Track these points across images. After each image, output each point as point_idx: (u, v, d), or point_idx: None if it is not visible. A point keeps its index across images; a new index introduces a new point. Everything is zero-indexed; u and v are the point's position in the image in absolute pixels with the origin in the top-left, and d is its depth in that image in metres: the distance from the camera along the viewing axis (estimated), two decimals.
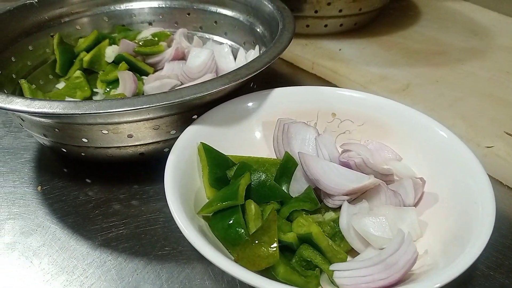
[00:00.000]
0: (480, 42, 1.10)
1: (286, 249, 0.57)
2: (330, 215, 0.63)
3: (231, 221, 0.55)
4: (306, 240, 0.56)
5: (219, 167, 0.63)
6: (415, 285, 0.46)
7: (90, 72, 0.91)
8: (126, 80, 0.89)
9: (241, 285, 0.59)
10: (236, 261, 0.51)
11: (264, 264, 0.50)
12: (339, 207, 0.62)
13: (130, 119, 0.66)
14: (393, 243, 0.50)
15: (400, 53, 1.06)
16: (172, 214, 0.53)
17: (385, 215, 0.58)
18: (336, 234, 0.61)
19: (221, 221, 0.56)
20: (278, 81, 1.04)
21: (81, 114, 0.58)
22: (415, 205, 0.64)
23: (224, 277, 0.60)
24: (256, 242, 0.51)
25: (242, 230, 0.54)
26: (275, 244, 0.50)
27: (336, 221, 0.62)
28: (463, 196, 0.59)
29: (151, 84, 0.88)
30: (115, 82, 0.93)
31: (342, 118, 0.74)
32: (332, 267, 0.52)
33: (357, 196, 0.63)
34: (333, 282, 0.53)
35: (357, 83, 0.95)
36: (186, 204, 0.56)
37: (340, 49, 1.03)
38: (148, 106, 0.60)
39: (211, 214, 0.58)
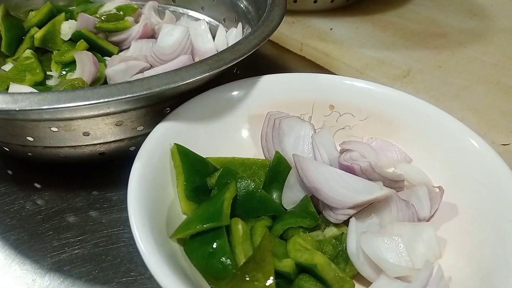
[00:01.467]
0: (480, 24, 1.03)
1: (279, 276, 0.46)
2: (331, 231, 0.52)
3: (214, 248, 0.44)
4: (305, 268, 0.46)
5: (197, 174, 0.52)
6: None
7: (43, 52, 0.78)
8: (85, 62, 0.76)
9: None
10: None
11: None
12: (343, 222, 0.51)
13: (86, 114, 0.53)
14: (419, 279, 0.40)
15: (397, 34, 0.97)
16: (135, 238, 0.41)
17: (399, 235, 0.48)
18: (339, 255, 0.51)
19: (201, 247, 0.44)
20: (261, 65, 0.92)
21: (18, 110, 0.45)
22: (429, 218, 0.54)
23: None
24: (247, 278, 0.40)
25: (228, 261, 0.43)
26: (271, 280, 0.39)
27: (338, 238, 0.52)
28: (492, 210, 0.49)
29: (115, 66, 0.75)
30: (72, 64, 0.79)
31: (341, 111, 0.63)
32: None
33: (361, 209, 0.52)
34: None
35: (353, 68, 0.85)
36: (155, 223, 0.44)
37: (331, 29, 0.92)
38: (106, 100, 0.47)
39: (187, 237, 0.46)
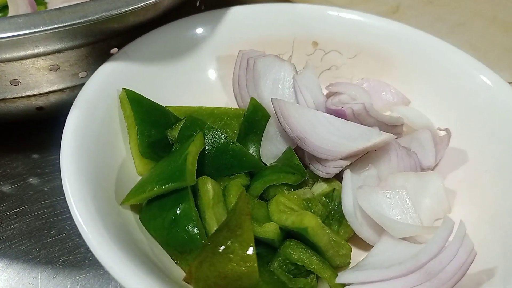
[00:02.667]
0: None
1: (260, 245, 0.38)
2: (321, 187, 0.44)
3: (177, 214, 0.35)
4: (292, 233, 0.37)
5: (154, 125, 0.42)
6: None
7: None
8: (18, 3, 0.63)
9: None
10: (187, 281, 0.31)
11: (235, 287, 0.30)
12: (334, 176, 0.43)
13: (8, 55, 0.42)
14: (436, 240, 0.32)
15: None
16: (70, 206, 0.32)
17: (404, 187, 0.40)
18: (331, 215, 0.43)
19: (160, 214, 0.35)
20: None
21: None
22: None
23: None
24: (221, 249, 0.31)
25: (195, 229, 0.34)
26: (250, 250, 0.31)
27: (329, 195, 0.44)
28: (507, 156, 0.41)
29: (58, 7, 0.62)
30: (5, 9, 0.66)
31: (326, 48, 0.54)
32: (340, 279, 0.33)
33: (356, 159, 0.43)
34: None
35: (335, 5, 0.74)
36: (98, 188, 0.35)
37: None
38: (27, 32, 0.36)
39: (143, 203, 0.37)
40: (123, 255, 0.30)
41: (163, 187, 0.35)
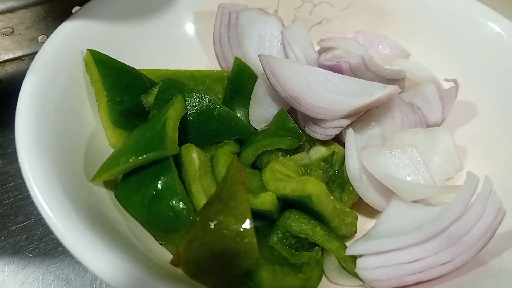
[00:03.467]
0: None
1: (256, 217, 0.33)
2: (319, 151, 0.40)
3: (158, 189, 0.30)
4: (291, 202, 0.33)
5: (126, 90, 0.37)
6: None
7: None
8: None
9: None
10: (174, 263, 0.27)
11: (232, 271, 0.26)
12: (332, 138, 0.38)
13: None
14: (459, 200, 0.28)
15: None
16: (29, 188, 0.26)
17: (413, 145, 0.35)
18: (332, 181, 0.39)
19: (139, 189, 0.30)
20: None
21: None
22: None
23: None
24: (212, 225, 0.26)
25: (181, 204, 0.29)
26: (247, 224, 0.26)
27: (328, 160, 0.39)
28: None
29: None
30: None
31: (315, 0, 0.48)
32: (351, 250, 0.29)
33: (356, 118, 0.39)
34: (346, 268, 0.31)
35: None
36: (63, 164, 0.30)
37: None
38: None
39: (118, 178, 0.32)
40: (97, 240, 0.25)
41: (140, 157, 0.30)
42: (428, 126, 0.41)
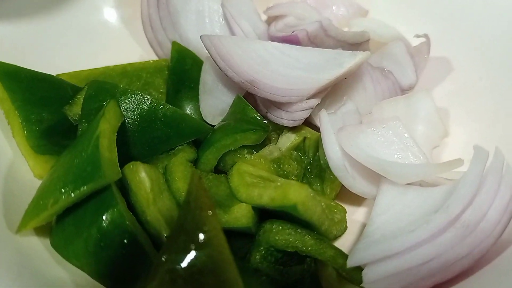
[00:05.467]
0: None
1: (228, 236, 0.27)
2: (288, 140, 0.35)
3: (103, 227, 0.23)
4: (270, 211, 0.27)
5: (44, 105, 0.31)
6: None
7: None
8: None
9: None
10: None
11: None
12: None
13: None
14: (468, 178, 0.24)
15: None
16: None
17: (396, 118, 0.31)
18: (309, 172, 0.34)
19: (79, 233, 0.24)
20: None
21: None
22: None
23: None
24: (183, 266, 0.20)
25: (138, 244, 0.23)
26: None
27: (300, 147, 0.34)
28: (500, 55, 0.33)
29: None
30: None
31: None
32: (354, 260, 0.25)
33: (325, 94, 0.34)
34: (347, 276, 0.26)
35: None
36: None
37: None
38: None
39: (52, 221, 0.25)
40: None
41: (73, 194, 0.23)
42: (402, 90, 0.37)
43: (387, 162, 0.29)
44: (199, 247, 0.21)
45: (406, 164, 0.29)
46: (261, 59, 0.33)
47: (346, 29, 0.42)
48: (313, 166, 0.34)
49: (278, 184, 0.26)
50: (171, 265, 0.21)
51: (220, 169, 0.33)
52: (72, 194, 0.23)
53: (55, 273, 0.24)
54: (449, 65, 0.37)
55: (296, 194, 0.25)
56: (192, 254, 0.21)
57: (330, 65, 0.32)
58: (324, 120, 0.30)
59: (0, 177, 0.28)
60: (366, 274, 0.24)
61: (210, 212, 0.21)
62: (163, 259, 0.22)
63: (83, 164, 0.24)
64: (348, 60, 0.31)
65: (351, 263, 0.25)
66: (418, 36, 0.37)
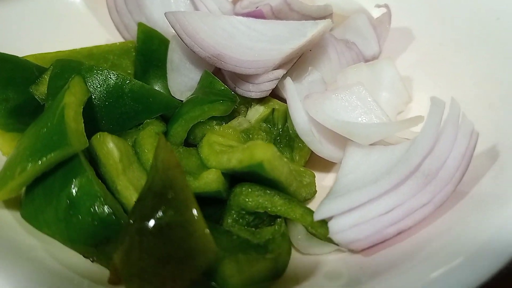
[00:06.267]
0: None
1: (201, 202, 0.28)
2: (257, 111, 0.35)
3: (72, 195, 0.23)
4: (238, 175, 0.28)
5: (10, 84, 0.31)
6: None
7: None
8: None
9: None
10: (113, 282, 0.21)
11: (188, 274, 0.21)
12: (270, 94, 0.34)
13: None
14: (427, 131, 0.25)
15: None
16: None
17: (359, 83, 0.32)
18: (278, 142, 0.35)
19: (49, 202, 0.24)
20: None
21: None
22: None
23: None
24: (151, 224, 0.21)
25: (106, 208, 0.23)
26: (195, 212, 0.21)
27: (269, 118, 0.35)
28: (463, 21, 0.35)
29: None
30: None
31: None
32: (319, 214, 0.25)
33: (291, 66, 0.35)
34: (316, 234, 0.27)
35: None
36: None
37: None
38: None
39: (21, 193, 0.25)
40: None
41: (40, 161, 0.23)
42: (366, 61, 0.38)
43: (351, 124, 0.30)
44: (167, 203, 0.21)
45: (369, 124, 0.30)
46: (226, 33, 0.33)
47: (310, 4, 0.43)
48: (283, 137, 0.35)
49: (245, 146, 0.27)
50: (139, 225, 0.22)
51: (191, 142, 0.33)
52: (39, 162, 0.23)
53: (28, 242, 0.24)
54: (410, 34, 0.39)
55: (262, 152, 0.25)
56: (160, 211, 0.21)
57: (294, 35, 0.33)
58: (290, 87, 0.31)
59: None
60: (332, 226, 0.25)
61: (178, 170, 0.22)
62: (131, 221, 0.23)
63: (49, 133, 0.24)
64: (310, 29, 0.32)
65: (317, 217, 0.25)
66: (379, 6, 0.38)
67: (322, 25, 0.32)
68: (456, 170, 0.24)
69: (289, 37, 0.32)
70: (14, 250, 0.23)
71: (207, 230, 0.20)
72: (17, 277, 0.20)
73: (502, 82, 0.31)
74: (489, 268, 0.20)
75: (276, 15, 0.37)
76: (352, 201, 0.25)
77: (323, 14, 0.40)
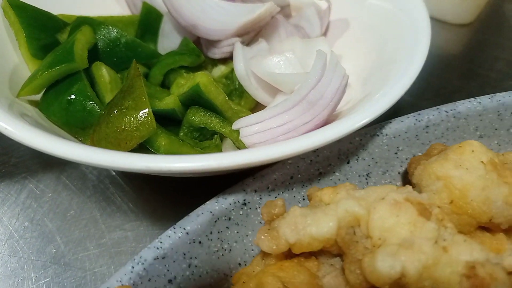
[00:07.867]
0: None
1: (167, 122, 0.40)
2: (219, 70, 0.46)
3: (72, 94, 0.35)
4: (193, 101, 0.39)
5: (43, 29, 0.42)
6: (341, 121, 0.32)
7: None
8: None
9: (113, 184, 0.41)
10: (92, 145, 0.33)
11: (135, 140, 0.32)
12: (230, 57, 0.45)
13: None
14: (313, 72, 0.35)
15: None
16: None
17: (291, 50, 0.43)
18: (233, 93, 0.45)
19: (57, 98, 0.36)
20: None
21: None
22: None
23: (88, 181, 0.42)
24: (116, 112, 0.33)
25: (93, 104, 0.35)
26: (146, 109, 0.33)
27: (229, 76, 0.46)
28: (385, 16, 0.45)
29: None
30: None
31: None
32: (236, 125, 0.36)
33: (251, 38, 0.46)
34: (240, 146, 0.38)
35: None
36: None
37: None
38: None
39: (40, 93, 0.37)
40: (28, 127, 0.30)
41: (52, 69, 0.35)
42: None
43: (276, 74, 0.41)
44: (126, 95, 0.33)
45: (288, 74, 0.41)
46: (201, 8, 0.45)
47: None
48: (237, 90, 0.46)
49: (192, 75, 0.38)
50: (108, 110, 0.34)
51: (167, 85, 0.45)
52: (54, 69, 0.35)
53: (40, 121, 0.36)
54: (345, 25, 0.50)
55: (199, 77, 0.36)
56: (121, 100, 0.33)
57: (247, 13, 0.44)
58: (237, 46, 0.43)
59: (7, 75, 0.40)
60: (242, 131, 0.36)
61: (139, 78, 0.34)
62: (103, 111, 0.34)
63: (62, 54, 0.36)
64: (258, 9, 0.43)
65: (234, 126, 0.37)
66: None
67: (267, 6, 0.43)
68: (331, 100, 0.35)
69: (244, 14, 0.44)
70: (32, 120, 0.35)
71: (150, 110, 0.32)
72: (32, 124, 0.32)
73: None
74: None
75: (243, 1, 0.49)
76: (258, 117, 0.36)
77: (281, 5, 0.51)
